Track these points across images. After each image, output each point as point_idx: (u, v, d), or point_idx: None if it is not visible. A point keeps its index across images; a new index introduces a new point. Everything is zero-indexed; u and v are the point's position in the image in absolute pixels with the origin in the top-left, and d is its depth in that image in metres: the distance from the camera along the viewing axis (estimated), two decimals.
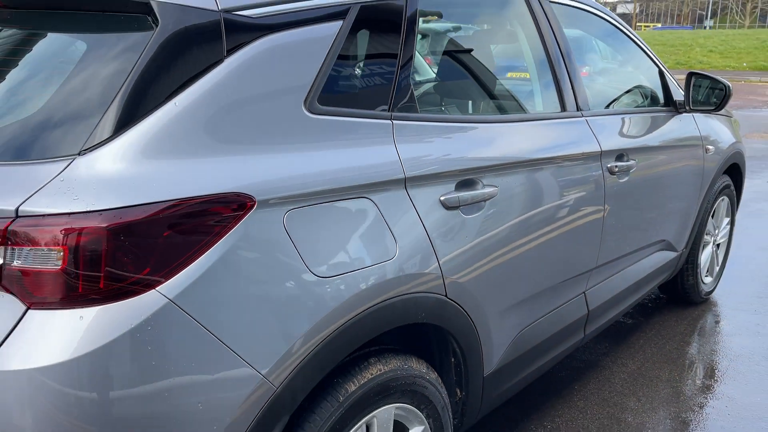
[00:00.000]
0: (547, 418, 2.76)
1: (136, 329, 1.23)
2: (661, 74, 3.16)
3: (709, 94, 3.19)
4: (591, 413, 2.79)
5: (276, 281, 1.42)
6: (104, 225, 1.21)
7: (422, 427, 1.86)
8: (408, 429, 1.84)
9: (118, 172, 1.27)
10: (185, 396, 1.30)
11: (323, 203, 1.52)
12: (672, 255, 3.31)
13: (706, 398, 2.92)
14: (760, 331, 3.54)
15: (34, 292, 1.22)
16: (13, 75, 1.50)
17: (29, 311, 1.22)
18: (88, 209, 1.21)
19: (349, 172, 1.59)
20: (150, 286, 1.25)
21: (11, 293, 1.22)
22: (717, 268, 4.00)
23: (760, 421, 2.74)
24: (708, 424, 2.73)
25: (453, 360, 1.99)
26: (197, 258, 1.30)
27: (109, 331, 1.22)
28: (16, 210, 1.21)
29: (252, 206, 1.38)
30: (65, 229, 1.20)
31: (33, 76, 1.50)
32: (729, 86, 3.04)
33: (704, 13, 57.03)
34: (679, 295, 3.76)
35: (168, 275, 1.27)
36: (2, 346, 1.21)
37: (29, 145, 1.31)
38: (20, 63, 1.51)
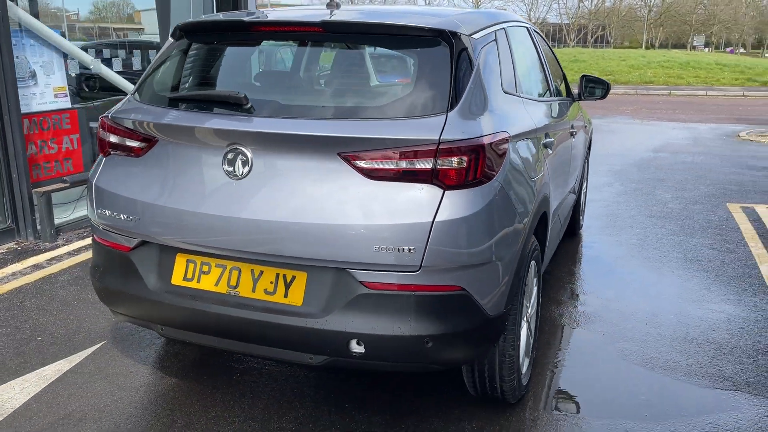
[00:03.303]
0: None
1: (494, 197, 2.42)
2: (564, 75, 4.84)
3: (586, 89, 4.94)
4: (547, 295, 4.34)
5: (521, 178, 2.68)
6: (482, 144, 2.38)
7: (535, 279, 3.20)
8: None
9: (468, 120, 2.43)
10: (509, 230, 2.50)
11: (521, 140, 2.80)
12: (574, 197, 5.02)
13: (612, 275, 4.64)
14: (620, 245, 5.43)
15: (448, 182, 2.33)
16: (371, 70, 2.55)
17: (445, 192, 2.33)
18: (471, 137, 2.37)
19: (523, 124, 2.89)
20: (492, 177, 2.44)
21: (434, 184, 2.32)
22: (584, 210, 5.86)
23: (637, 282, 4.52)
24: (622, 286, 4.44)
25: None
26: (503, 163, 2.51)
27: (485, 198, 2.38)
28: (439, 139, 2.32)
29: (509, 139, 2.62)
30: (466, 147, 2.34)
31: (385, 72, 2.56)
32: (609, 83, 4.82)
33: None
34: (569, 227, 5.51)
35: (496, 171, 2.46)
36: (438, 211, 2.30)
37: (419, 108, 2.40)
38: (370, 65, 2.56)
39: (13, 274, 4.60)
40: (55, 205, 5.44)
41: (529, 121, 3.01)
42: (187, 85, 2.77)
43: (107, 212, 2.69)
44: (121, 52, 7.57)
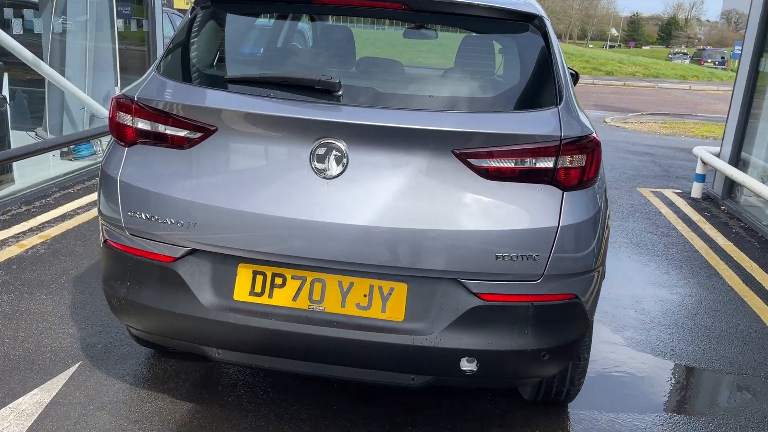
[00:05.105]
0: None
1: (602, 198, 2.28)
2: None
3: None
4: None
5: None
6: (597, 140, 2.22)
7: None
8: None
9: (573, 115, 2.25)
10: (608, 232, 2.38)
11: None
12: None
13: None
14: None
15: (566, 182, 2.15)
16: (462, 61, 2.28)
17: (565, 193, 2.15)
18: (585, 133, 2.19)
19: None
20: (598, 176, 2.29)
21: (553, 184, 2.13)
22: None
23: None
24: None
25: None
26: (597, 161, 2.38)
27: (596, 199, 2.24)
28: (560, 137, 2.12)
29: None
30: (585, 143, 2.17)
31: (473, 61, 2.30)
32: (577, 72, 4.85)
33: None
34: None
35: (599, 170, 2.31)
36: (561, 214, 2.12)
37: (528, 101, 2.19)
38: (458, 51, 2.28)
39: None
40: None
41: None
42: (235, 64, 2.33)
43: (142, 215, 2.20)
44: None
